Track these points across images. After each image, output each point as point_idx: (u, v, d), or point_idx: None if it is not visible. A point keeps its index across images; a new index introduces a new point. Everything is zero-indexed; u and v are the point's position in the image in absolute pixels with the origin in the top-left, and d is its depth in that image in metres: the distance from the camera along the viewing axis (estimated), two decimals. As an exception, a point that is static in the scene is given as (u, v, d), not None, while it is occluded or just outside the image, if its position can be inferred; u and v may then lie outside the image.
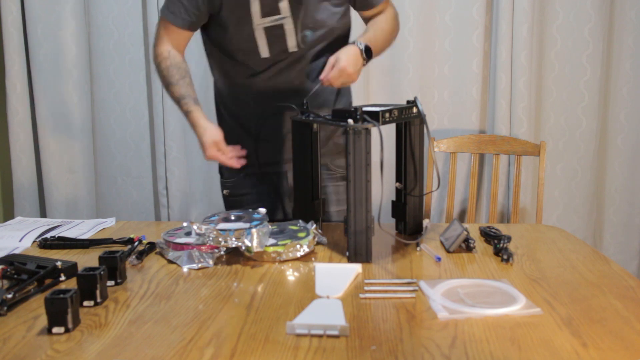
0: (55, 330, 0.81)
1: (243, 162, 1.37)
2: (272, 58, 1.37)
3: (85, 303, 0.91)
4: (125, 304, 0.92)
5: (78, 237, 1.28)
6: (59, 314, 0.81)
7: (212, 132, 1.33)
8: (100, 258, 1.00)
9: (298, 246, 1.14)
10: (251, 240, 1.09)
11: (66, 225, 1.39)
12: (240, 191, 1.53)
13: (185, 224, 1.25)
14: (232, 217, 1.24)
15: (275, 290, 0.97)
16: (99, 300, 0.91)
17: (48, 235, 1.27)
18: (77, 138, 2.39)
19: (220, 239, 1.10)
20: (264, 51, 1.36)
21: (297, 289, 0.98)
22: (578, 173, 2.25)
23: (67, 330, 0.81)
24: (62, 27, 2.30)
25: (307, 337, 0.79)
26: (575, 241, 1.26)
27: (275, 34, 1.34)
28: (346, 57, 1.28)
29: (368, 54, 1.32)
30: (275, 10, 1.32)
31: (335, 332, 0.80)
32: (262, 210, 1.25)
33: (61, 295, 0.81)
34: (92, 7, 2.27)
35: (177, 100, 1.39)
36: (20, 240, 1.26)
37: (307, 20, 1.34)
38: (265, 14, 1.32)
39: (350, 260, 1.11)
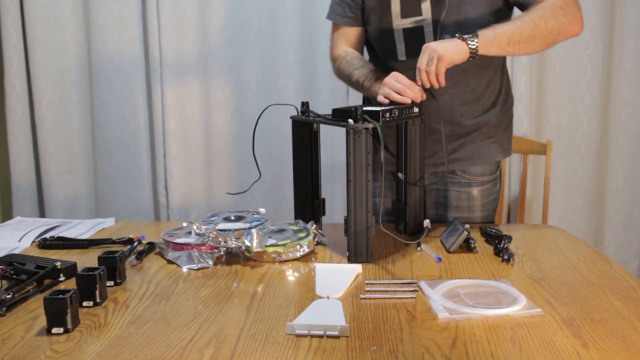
0: (54, 330, 0.81)
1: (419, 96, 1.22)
2: (409, 62, 1.31)
3: (85, 303, 0.90)
4: (125, 305, 0.92)
5: (77, 237, 1.28)
6: (59, 315, 0.81)
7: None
8: (99, 258, 1.00)
9: (298, 246, 1.14)
10: (251, 241, 1.09)
11: (65, 225, 1.39)
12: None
13: (185, 224, 1.24)
14: (232, 218, 1.24)
15: (275, 291, 0.97)
16: (98, 300, 0.91)
17: (47, 236, 1.27)
18: (76, 138, 2.38)
19: (220, 239, 1.10)
20: (401, 54, 1.33)
21: (297, 289, 0.98)
22: (579, 173, 2.25)
23: (66, 331, 0.81)
24: (62, 27, 2.29)
25: (307, 338, 0.79)
26: (576, 241, 1.26)
27: (414, 37, 1.30)
28: (426, 56, 1.15)
29: (473, 38, 1.15)
30: (417, 11, 1.28)
31: (336, 333, 0.79)
32: (262, 210, 1.25)
33: (60, 296, 0.81)
34: (91, 7, 2.27)
35: (364, 79, 1.34)
36: (19, 241, 1.26)
37: (447, 23, 1.27)
38: (405, 14, 1.29)
39: (350, 260, 1.11)
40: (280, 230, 1.21)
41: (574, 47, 2.16)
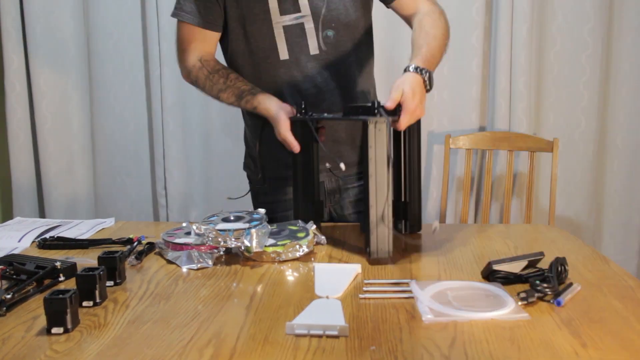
0: (54, 330, 0.81)
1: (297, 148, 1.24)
2: (292, 61, 1.31)
3: (85, 303, 0.90)
4: (125, 305, 0.92)
5: (77, 238, 1.28)
6: (58, 315, 0.81)
7: (287, 109, 1.23)
8: (99, 258, 1.00)
9: (297, 246, 1.14)
10: (250, 241, 1.09)
11: (65, 225, 1.39)
12: (273, 197, 1.48)
13: (184, 224, 1.25)
14: (232, 218, 1.24)
15: (275, 291, 0.97)
16: (98, 300, 0.91)
17: (47, 236, 1.27)
18: (76, 138, 2.39)
19: (219, 239, 1.10)
20: (283, 53, 1.30)
21: (296, 289, 0.98)
22: (577, 173, 2.26)
23: (66, 331, 0.81)
24: (61, 28, 2.29)
25: (306, 338, 0.79)
26: (574, 241, 1.26)
27: (295, 34, 1.28)
28: (410, 89, 1.10)
29: (431, 80, 1.17)
30: (295, 8, 1.26)
31: (335, 333, 0.80)
32: (262, 210, 1.25)
33: (60, 296, 0.81)
34: (91, 8, 2.27)
35: (237, 103, 1.30)
36: (19, 241, 1.26)
37: (328, 19, 1.27)
38: (284, 11, 1.26)
39: (372, 257, 1.08)
40: (280, 231, 1.22)
41: (572, 48, 2.17)
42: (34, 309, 0.90)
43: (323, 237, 1.23)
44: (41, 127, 2.35)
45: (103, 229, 1.39)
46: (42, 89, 2.32)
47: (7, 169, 2.39)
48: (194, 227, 1.13)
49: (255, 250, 1.09)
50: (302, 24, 1.28)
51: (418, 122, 1.24)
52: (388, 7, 1.36)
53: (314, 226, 1.22)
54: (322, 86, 1.34)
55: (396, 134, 1.26)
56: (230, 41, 1.34)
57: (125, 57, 2.30)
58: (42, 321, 0.84)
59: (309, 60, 1.32)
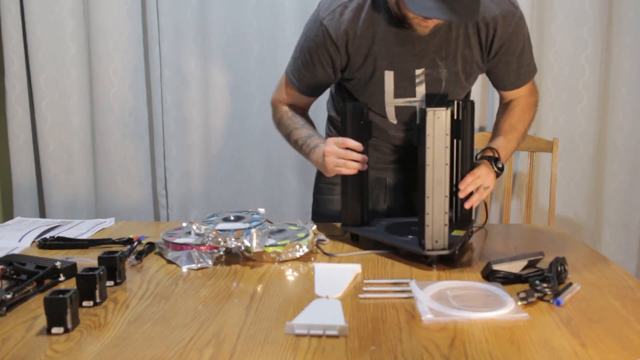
0: (54, 330, 0.81)
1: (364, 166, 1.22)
2: (397, 125, 1.36)
3: (85, 303, 0.90)
4: (125, 304, 0.92)
5: (77, 237, 1.28)
6: (58, 314, 0.81)
7: (328, 143, 1.23)
8: (99, 258, 1.00)
9: (297, 246, 1.14)
10: (250, 241, 1.09)
11: (65, 225, 1.39)
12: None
13: (184, 224, 1.25)
14: (232, 218, 1.24)
15: (275, 291, 0.97)
16: (98, 300, 0.91)
17: (47, 236, 1.27)
18: (76, 138, 2.39)
19: (219, 239, 1.10)
20: (392, 118, 1.34)
21: (296, 289, 0.98)
22: (577, 173, 2.26)
23: (66, 331, 0.81)
24: (61, 27, 2.29)
25: (306, 337, 0.79)
26: (574, 241, 1.26)
27: (405, 109, 1.32)
28: (484, 173, 1.20)
29: (501, 171, 1.26)
30: (411, 93, 1.29)
31: (335, 332, 0.80)
32: (262, 210, 1.25)
33: (60, 296, 0.81)
34: (91, 7, 2.27)
35: (302, 141, 1.31)
36: (19, 241, 1.26)
37: (439, 103, 1.30)
38: (398, 95, 1.29)
39: (428, 251, 1.06)
40: (280, 231, 1.22)
41: (571, 48, 2.17)
42: (34, 309, 0.90)
43: (324, 237, 1.23)
44: (41, 127, 2.35)
45: (103, 229, 1.39)
46: (42, 89, 2.32)
47: (8, 168, 2.39)
48: (194, 227, 1.13)
49: (255, 250, 1.09)
50: (415, 106, 1.31)
51: (472, 110, 1.23)
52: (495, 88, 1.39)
53: (314, 226, 1.22)
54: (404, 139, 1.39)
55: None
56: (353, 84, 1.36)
57: (125, 57, 2.30)
58: (43, 321, 0.84)
59: (414, 124, 1.35)
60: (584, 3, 2.13)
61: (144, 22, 2.27)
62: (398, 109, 1.32)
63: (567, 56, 2.18)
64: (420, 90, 1.28)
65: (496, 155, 1.26)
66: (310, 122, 1.39)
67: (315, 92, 1.37)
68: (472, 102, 1.24)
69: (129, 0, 2.26)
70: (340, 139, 1.19)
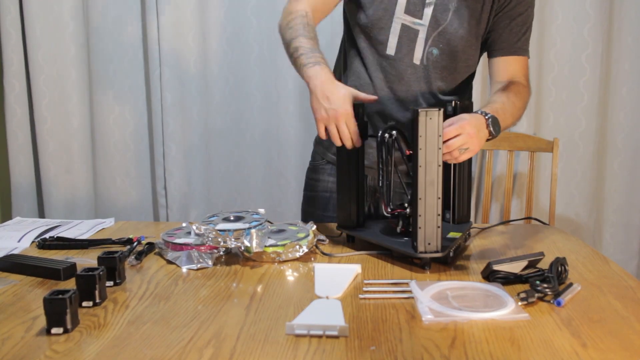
0: (54, 330, 0.81)
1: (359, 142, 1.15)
2: (394, 59, 1.30)
3: (84, 304, 0.90)
4: (124, 305, 0.92)
5: (77, 238, 1.28)
6: (58, 315, 0.81)
7: (348, 89, 1.13)
8: (99, 258, 1.00)
9: (297, 246, 1.14)
10: (250, 241, 1.09)
11: (65, 225, 1.39)
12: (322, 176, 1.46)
13: (184, 225, 1.24)
14: (232, 218, 1.24)
15: (275, 291, 0.97)
16: (97, 300, 0.91)
17: (47, 236, 1.27)
18: (75, 138, 2.38)
19: (219, 240, 1.10)
20: (391, 48, 1.30)
21: (296, 289, 0.98)
22: (577, 173, 2.26)
23: (66, 331, 0.81)
24: (61, 27, 2.29)
25: (306, 338, 0.79)
26: (574, 241, 1.26)
27: (407, 37, 1.29)
28: (469, 117, 1.09)
29: (496, 127, 1.14)
30: (419, 13, 1.27)
31: (335, 333, 0.80)
32: (261, 210, 1.25)
33: (60, 296, 0.81)
34: (90, 7, 2.27)
35: (304, 51, 1.17)
36: (18, 241, 1.26)
37: (440, 39, 1.29)
38: (408, 11, 1.27)
39: (420, 253, 1.05)
40: (280, 231, 1.22)
41: (572, 48, 2.17)
42: (34, 309, 0.90)
43: (324, 238, 1.23)
44: (41, 127, 2.35)
45: (103, 229, 1.39)
46: (41, 88, 2.32)
47: (7, 169, 2.39)
48: (194, 227, 1.13)
49: (255, 250, 1.09)
50: (418, 31, 1.28)
51: (471, 111, 1.19)
52: (489, 59, 1.36)
53: (314, 226, 1.22)
54: (403, 96, 1.34)
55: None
56: (351, 12, 1.34)
57: (125, 57, 2.30)
58: (42, 321, 0.84)
59: (408, 67, 1.32)
60: (585, 3, 2.13)
61: (143, 22, 2.27)
62: (403, 29, 1.28)
63: (568, 56, 2.18)
64: (427, 12, 1.26)
65: (496, 116, 1.15)
66: (316, 38, 1.25)
67: None
68: (471, 103, 1.24)
69: (129, 0, 2.26)
70: (355, 92, 1.12)
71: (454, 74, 1.34)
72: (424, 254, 1.05)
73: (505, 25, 1.30)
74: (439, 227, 1.05)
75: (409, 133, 1.09)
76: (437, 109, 1.03)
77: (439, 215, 1.05)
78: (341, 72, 1.46)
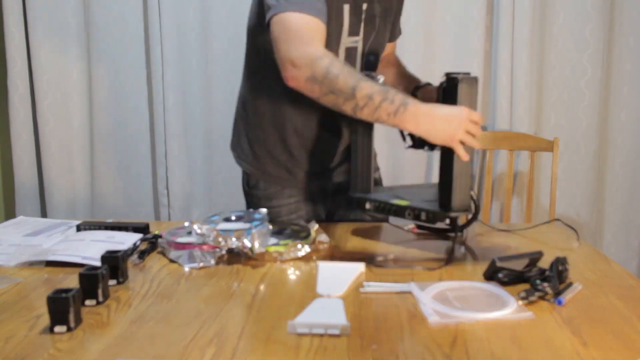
0: (57, 329, 0.82)
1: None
2: None
3: (87, 302, 0.91)
4: (127, 303, 0.92)
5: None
6: (61, 313, 0.81)
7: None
8: (102, 257, 1.01)
9: (299, 246, 1.14)
10: (252, 241, 1.09)
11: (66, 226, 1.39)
12: (280, 202, 1.40)
13: (186, 224, 1.25)
14: (233, 217, 1.24)
15: (277, 290, 0.98)
16: (100, 299, 0.91)
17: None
18: (77, 138, 2.39)
19: (220, 240, 1.10)
20: None
21: (298, 288, 0.99)
22: (578, 173, 2.25)
23: (69, 329, 0.82)
24: (63, 28, 2.30)
25: (308, 337, 0.80)
26: (575, 240, 1.26)
27: (350, 56, 1.28)
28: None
29: None
30: (357, 31, 1.25)
31: (337, 332, 0.80)
32: (263, 210, 1.26)
33: (63, 295, 0.81)
34: (92, 7, 2.27)
35: (383, 96, 1.06)
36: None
37: (373, 45, 1.30)
38: (351, 32, 1.24)
39: (454, 208, 1.05)
40: (282, 230, 1.22)
41: (573, 48, 2.17)
42: (37, 308, 0.91)
43: (326, 237, 1.23)
44: (43, 127, 2.36)
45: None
46: (44, 89, 2.32)
47: (11, 168, 2.40)
48: (195, 227, 1.13)
49: (257, 250, 1.09)
50: (356, 47, 1.28)
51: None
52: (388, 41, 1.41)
53: (316, 226, 1.22)
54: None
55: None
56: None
57: (127, 57, 2.31)
58: (45, 320, 0.84)
59: None
60: (586, 3, 2.13)
61: (145, 22, 2.28)
62: (348, 51, 1.26)
63: (569, 56, 2.18)
64: (361, 27, 1.26)
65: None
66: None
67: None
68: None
69: (131, 0, 2.27)
70: (476, 115, 1.09)
71: (374, 68, 1.37)
72: (456, 212, 1.05)
73: (399, 12, 1.38)
74: (473, 184, 1.06)
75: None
76: (475, 77, 1.05)
77: (472, 173, 1.06)
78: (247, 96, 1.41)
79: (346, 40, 1.24)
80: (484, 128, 2.25)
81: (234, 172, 2.37)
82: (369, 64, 1.32)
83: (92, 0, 2.27)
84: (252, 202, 1.44)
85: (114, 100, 2.34)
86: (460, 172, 1.05)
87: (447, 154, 1.06)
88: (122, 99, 2.34)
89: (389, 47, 1.43)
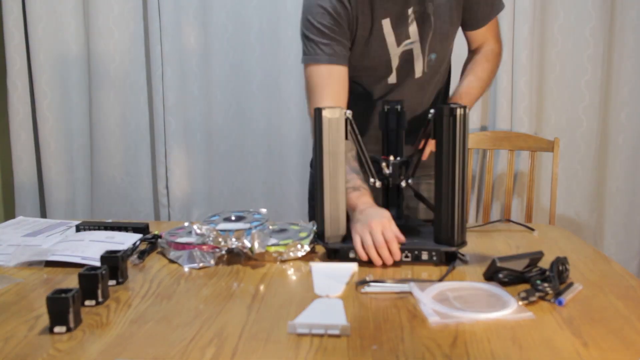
0: (56, 329, 0.81)
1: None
2: (398, 85, 1.34)
3: (87, 302, 0.91)
4: (127, 304, 0.92)
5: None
6: (61, 314, 0.81)
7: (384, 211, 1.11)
8: (101, 257, 1.00)
9: (299, 246, 1.14)
10: (251, 241, 1.09)
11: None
12: None
13: (186, 224, 1.25)
14: (233, 218, 1.24)
15: (277, 290, 0.97)
16: (100, 299, 0.91)
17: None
18: (77, 137, 2.39)
19: (220, 240, 1.10)
20: (392, 77, 1.32)
21: (298, 288, 0.98)
22: (579, 173, 2.26)
23: (68, 330, 0.81)
24: (63, 28, 2.30)
25: (308, 337, 0.79)
26: (576, 241, 1.26)
27: (405, 60, 1.30)
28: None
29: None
30: (406, 36, 1.27)
31: (337, 332, 0.80)
32: (263, 210, 1.25)
33: (63, 295, 0.81)
34: (92, 7, 2.27)
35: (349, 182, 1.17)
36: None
37: (433, 43, 1.30)
38: (399, 42, 1.27)
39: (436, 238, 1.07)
40: (282, 230, 1.22)
41: (573, 48, 2.17)
42: (37, 308, 0.91)
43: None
44: (42, 127, 2.36)
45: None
46: (43, 88, 2.32)
47: (10, 168, 2.40)
48: (195, 227, 1.13)
49: (257, 251, 1.09)
50: (412, 49, 1.30)
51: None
52: (464, 32, 1.40)
53: (316, 226, 1.22)
54: (415, 107, 1.35)
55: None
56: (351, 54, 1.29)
57: (126, 57, 2.31)
58: (45, 320, 0.84)
59: (411, 83, 1.34)
60: (586, 2, 2.13)
61: (145, 21, 2.28)
62: (402, 56, 1.29)
63: (570, 56, 2.18)
64: (413, 28, 1.27)
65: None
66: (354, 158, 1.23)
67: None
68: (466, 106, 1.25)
69: (131, 0, 2.27)
70: (393, 231, 1.07)
71: (443, 62, 1.38)
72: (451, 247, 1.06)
73: (475, 2, 1.32)
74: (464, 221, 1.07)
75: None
76: (464, 107, 1.04)
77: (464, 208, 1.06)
78: None
79: (397, 50, 1.28)
80: (484, 128, 2.25)
81: (234, 172, 2.38)
82: (430, 63, 1.33)
83: (92, 1, 2.27)
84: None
85: (114, 100, 2.34)
86: (460, 206, 1.06)
87: (443, 188, 1.06)
88: (122, 99, 2.34)
89: (478, 36, 1.38)
